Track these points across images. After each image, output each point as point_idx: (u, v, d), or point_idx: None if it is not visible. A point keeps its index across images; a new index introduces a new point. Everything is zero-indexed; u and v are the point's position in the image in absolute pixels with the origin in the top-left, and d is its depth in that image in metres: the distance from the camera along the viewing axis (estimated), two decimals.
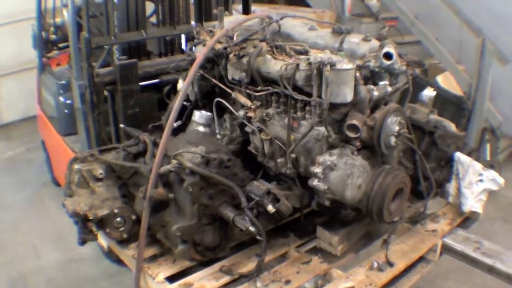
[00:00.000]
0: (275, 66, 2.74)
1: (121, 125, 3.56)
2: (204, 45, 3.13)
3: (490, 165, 3.41)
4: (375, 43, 2.78)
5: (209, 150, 2.69)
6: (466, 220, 3.42)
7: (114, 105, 3.83)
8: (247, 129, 2.95)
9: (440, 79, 6.15)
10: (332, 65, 2.44)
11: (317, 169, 2.58)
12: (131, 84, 3.73)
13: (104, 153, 3.15)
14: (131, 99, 3.75)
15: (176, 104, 2.72)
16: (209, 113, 3.01)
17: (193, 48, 3.23)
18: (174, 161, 2.62)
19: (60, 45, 5.71)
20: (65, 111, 5.03)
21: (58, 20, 5.50)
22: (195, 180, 2.58)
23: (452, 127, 3.52)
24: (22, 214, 5.50)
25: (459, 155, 3.35)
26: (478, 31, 5.89)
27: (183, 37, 4.30)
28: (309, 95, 2.58)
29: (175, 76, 3.79)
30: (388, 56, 2.62)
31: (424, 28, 6.41)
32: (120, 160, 3.02)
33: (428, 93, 3.56)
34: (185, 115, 3.25)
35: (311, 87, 2.56)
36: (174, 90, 3.90)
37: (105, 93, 3.83)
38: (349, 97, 2.50)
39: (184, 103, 3.30)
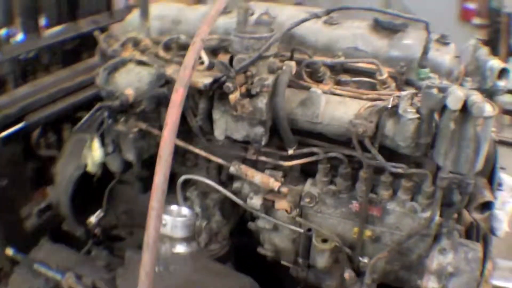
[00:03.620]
0: (340, 109, 1.38)
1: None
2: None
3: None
4: (452, 47, 1.60)
5: None
6: None
7: None
8: (262, 224, 1.55)
9: None
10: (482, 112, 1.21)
11: (431, 283, 1.39)
12: None
13: None
14: None
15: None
16: (187, 210, 1.49)
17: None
18: None
19: None
20: None
21: None
22: None
23: None
24: None
25: None
26: None
27: None
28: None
29: (48, 111, 2.10)
30: (505, 73, 1.47)
31: None
32: None
33: None
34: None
35: (411, 148, 1.31)
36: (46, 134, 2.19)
37: None
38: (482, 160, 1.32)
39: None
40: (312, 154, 1.46)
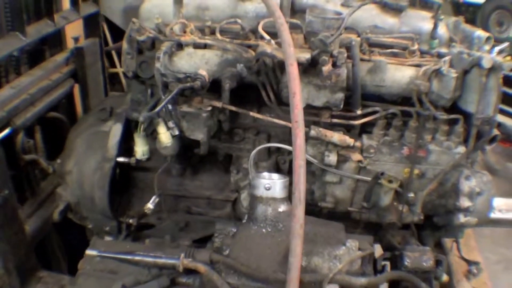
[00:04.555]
0: (398, 73, 1.75)
1: None
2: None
3: None
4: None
5: None
6: None
7: None
8: (330, 178, 1.86)
9: None
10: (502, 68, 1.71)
11: (467, 202, 1.88)
12: None
13: None
14: None
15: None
16: (277, 174, 1.73)
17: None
18: None
19: None
20: None
21: None
22: None
23: None
24: None
25: None
26: None
27: None
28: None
29: (30, 113, 2.11)
30: (489, 40, 2.00)
31: None
32: None
33: None
34: None
35: (449, 100, 1.77)
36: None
37: None
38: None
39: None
40: (374, 112, 1.80)
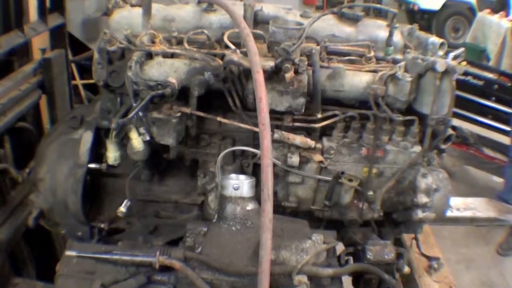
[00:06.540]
0: (355, 79, 1.94)
1: None
2: None
3: None
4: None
5: None
6: None
7: None
8: (293, 179, 2.03)
9: None
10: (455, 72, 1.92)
11: (424, 199, 2.07)
12: None
13: None
14: None
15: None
16: (243, 176, 1.88)
17: None
18: None
19: None
20: None
21: None
22: None
23: None
24: None
25: None
26: None
27: None
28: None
29: (9, 118, 2.18)
30: (442, 46, 2.21)
31: None
32: None
33: None
34: None
35: (405, 103, 1.96)
36: None
37: None
38: None
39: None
40: (333, 115, 1.98)
